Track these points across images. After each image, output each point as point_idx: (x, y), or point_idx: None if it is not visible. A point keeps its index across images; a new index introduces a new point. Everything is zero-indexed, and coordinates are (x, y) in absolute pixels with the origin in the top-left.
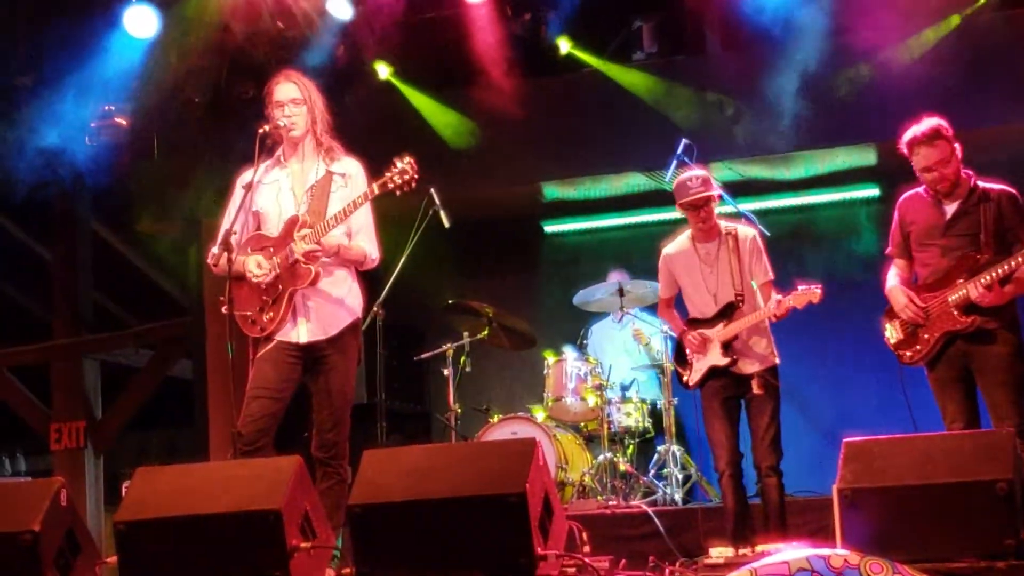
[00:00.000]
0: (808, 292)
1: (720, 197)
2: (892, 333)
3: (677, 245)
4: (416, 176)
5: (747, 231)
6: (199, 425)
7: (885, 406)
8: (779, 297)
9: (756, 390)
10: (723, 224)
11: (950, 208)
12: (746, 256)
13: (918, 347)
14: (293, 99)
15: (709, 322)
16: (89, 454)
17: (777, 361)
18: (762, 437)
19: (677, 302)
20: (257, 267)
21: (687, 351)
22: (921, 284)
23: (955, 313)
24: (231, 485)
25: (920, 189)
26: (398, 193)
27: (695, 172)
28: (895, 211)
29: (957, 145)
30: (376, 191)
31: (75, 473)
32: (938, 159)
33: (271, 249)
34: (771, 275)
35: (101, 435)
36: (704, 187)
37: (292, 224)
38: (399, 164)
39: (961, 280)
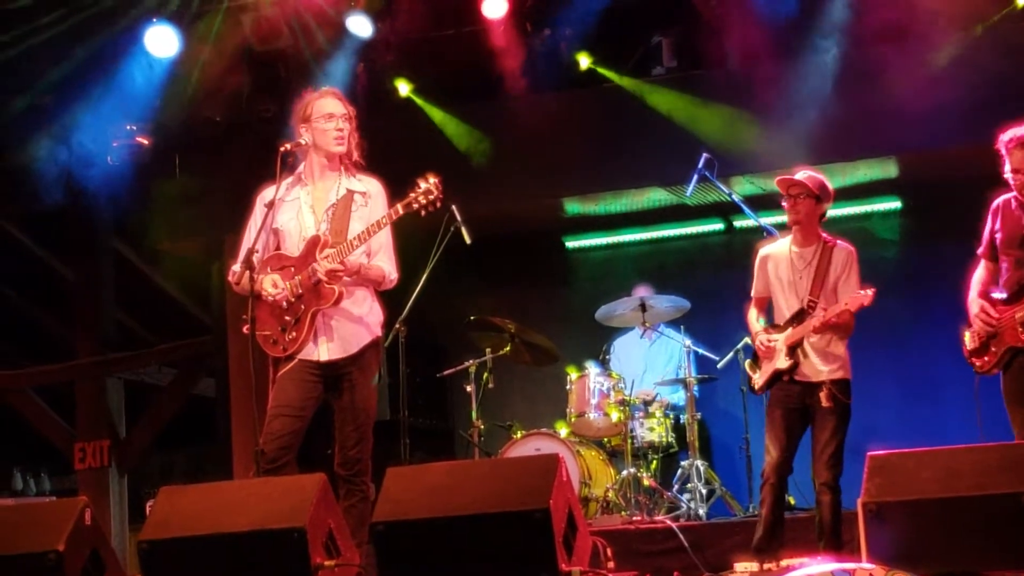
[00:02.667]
0: (862, 296)
1: (819, 200)
2: (968, 341)
3: (776, 246)
4: (440, 196)
5: (847, 246)
6: (222, 443)
7: (909, 419)
8: (823, 306)
9: (824, 402)
10: (825, 235)
11: None
12: (836, 268)
13: (986, 358)
14: (343, 114)
15: (782, 327)
16: (113, 473)
17: (848, 376)
18: (821, 452)
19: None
20: (273, 286)
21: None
22: (999, 293)
23: (1019, 329)
24: (255, 503)
25: (1012, 195)
26: (423, 213)
27: (806, 171)
28: (988, 211)
29: None
30: (400, 211)
31: (99, 492)
32: None
33: (292, 269)
34: (859, 291)
35: (125, 454)
36: (804, 178)
37: (313, 244)
38: (423, 184)
39: None
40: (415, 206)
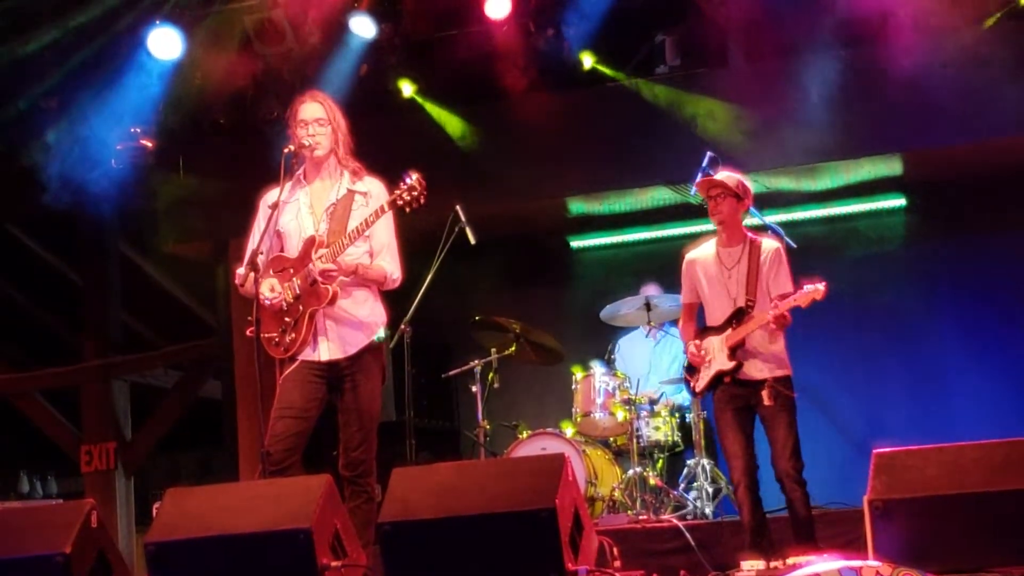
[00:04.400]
0: (812, 291)
1: (740, 199)
2: None
3: (701, 250)
4: (424, 192)
5: (771, 243)
6: (229, 445)
7: (915, 416)
8: (774, 301)
9: (766, 401)
10: (750, 234)
11: None
12: (765, 265)
13: None
14: (317, 119)
15: (719, 328)
16: (120, 475)
17: (790, 372)
18: (782, 448)
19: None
20: (270, 290)
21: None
22: None
23: None
24: (261, 504)
25: None
26: (407, 210)
27: (725, 172)
28: None
29: None
30: (386, 209)
31: (106, 494)
32: None
33: (291, 270)
34: (790, 288)
35: (131, 456)
36: (726, 179)
37: (310, 244)
38: (408, 181)
39: None
40: (399, 203)
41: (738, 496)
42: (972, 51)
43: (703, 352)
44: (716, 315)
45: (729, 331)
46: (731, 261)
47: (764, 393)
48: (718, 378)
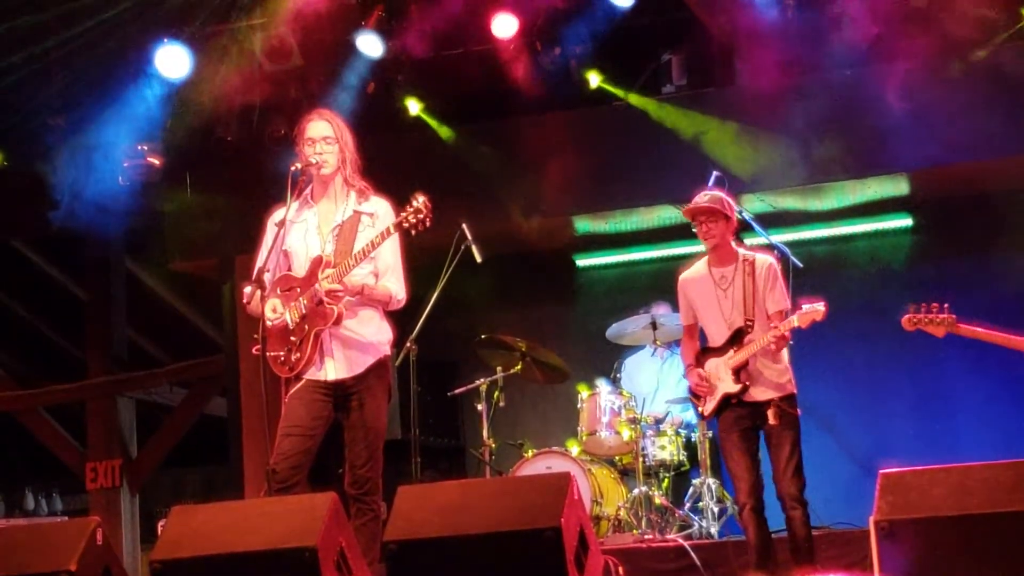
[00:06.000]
0: (812, 311)
1: (728, 219)
2: None
3: (693, 270)
4: (431, 215)
5: (765, 259)
6: (234, 463)
7: (921, 436)
8: (774, 323)
9: (772, 420)
10: (742, 252)
11: None
12: (760, 282)
13: None
14: (325, 137)
15: (720, 350)
16: (125, 493)
17: (794, 390)
18: (784, 469)
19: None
20: (272, 311)
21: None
22: None
23: None
24: (267, 523)
25: None
26: (413, 233)
27: (713, 191)
28: None
29: None
30: (392, 231)
31: (111, 512)
32: None
33: (298, 289)
34: (786, 304)
35: (137, 474)
36: (709, 201)
37: (317, 264)
38: (414, 204)
39: None
40: (405, 225)
41: (743, 517)
42: (980, 70)
43: (707, 378)
44: (714, 336)
45: (731, 353)
46: (725, 282)
47: (769, 412)
48: (725, 401)
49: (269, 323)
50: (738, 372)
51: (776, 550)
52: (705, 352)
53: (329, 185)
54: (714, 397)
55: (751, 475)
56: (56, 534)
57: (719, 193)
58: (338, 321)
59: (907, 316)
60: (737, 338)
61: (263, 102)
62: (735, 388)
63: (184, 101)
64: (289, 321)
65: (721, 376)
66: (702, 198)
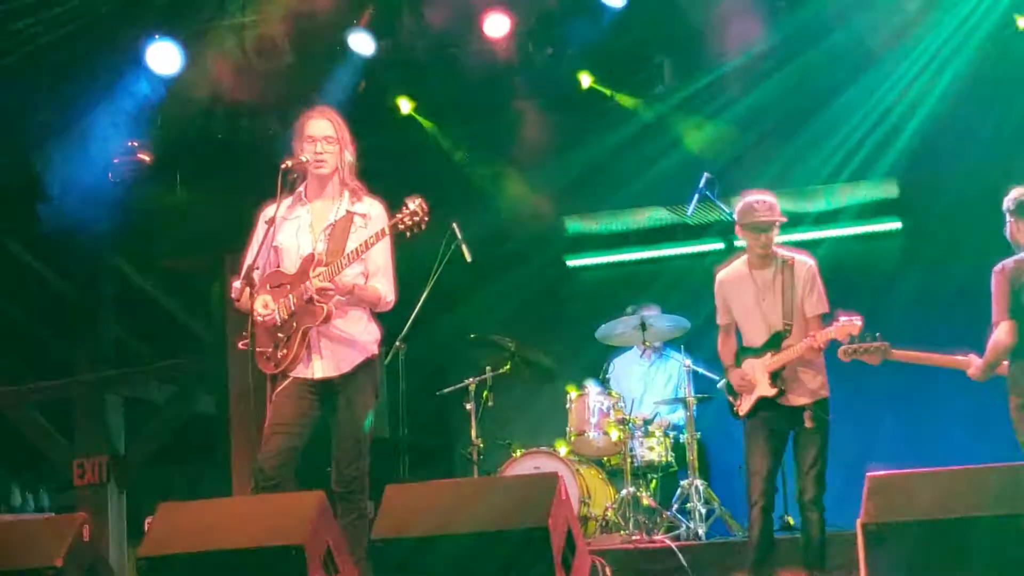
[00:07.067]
0: (849, 324)
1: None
2: None
3: (732, 271)
4: (426, 219)
5: (805, 260)
6: (221, 461)
7: (909, 440)
8: (812, 332)
9: (807, 424)
10: (781, 252)
11: None
12: (800, 284)
13: None
14: (326, 136)
15: (758, 352)
16: (112, 490)
17: (827, 394)
18: (808, 471)
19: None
20: (264, 307)
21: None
22: None
23: None
24: (254, 520)
25: None
26: (408, 235)
27: (762, 196)
28: None
29: None
30: (387, 232)
31: (98, 509)
32: None
33: (288, 286)
34: (824, 308)
35: (124, 471)
36: (771, 212)
37: (308, 262)
38: (411, 205)
39: None
40: (400, 227)
41: (752, 514)
42: (968, 76)
43: (748, 379)
44: (751, 336)
45: (768, 356)
46: (765, 283)
47: (805, 415)
48: (760, 401)
49: (260, 319)
50: (774, 376)
51: (777, 552)
52: (744, 352)
53: (325, 184)
54: (750, 398)
55: (770, 475)
56: (43, 530)
57: (771, 198)
58: (327, 319)
59: (841, 348)
60: (775, 341)
61: (254, 99)
62: (771, 392)
63: (175, 97)
64: (277, 317)
65: (758, 378)
66: (765, 209)
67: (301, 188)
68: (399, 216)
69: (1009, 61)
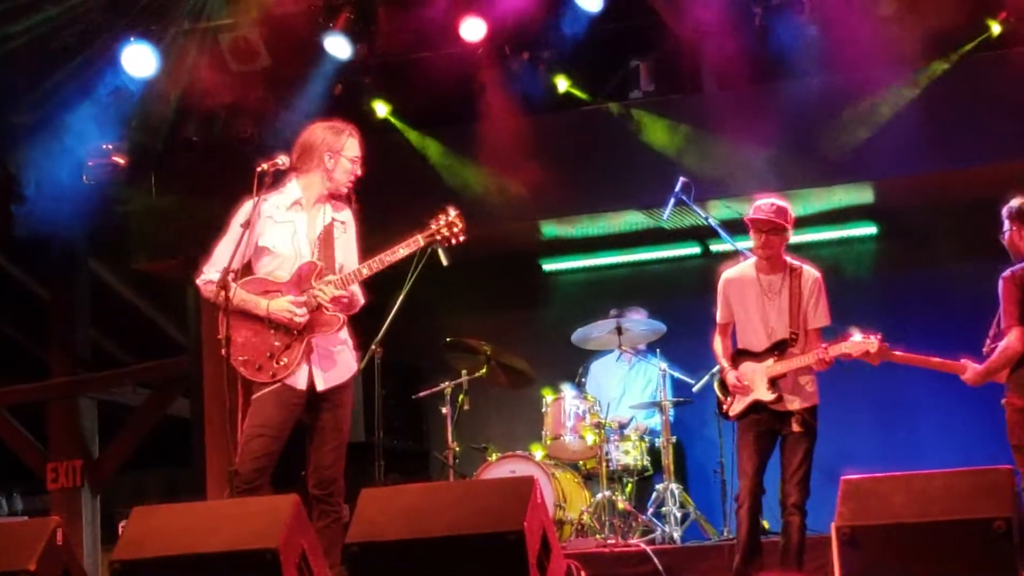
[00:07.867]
0: (866, 343)
1: (787, 231)
2: None
3: (738, 271)
4: (464, 231)
5: (812, 272)
6: (197, 464)
7: (884, 444)
8: (825, 345)
9: (795, 428)
10: (790, 260)
11: None
12: (806, 294)
13: None
14: (361, 157)
15: (759, 356)
16: (86, 493)
17: (817, 401)
18: (792, 474)
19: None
20: (297, 308)
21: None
22: None
23: None
24: (228, 524)
25: None
26: (444, 245)
27: (772, 199)
28: None
29: None
30: (422, 243)
31: (72, 512)
32: None
33: (278, 294)
34: (827, 321)
35: (98, 474)
36: (776, 215)
37: (310, 269)
38: (448, 216)
39: None
40: (438, 237)
41: (739, 515)
42: (944, 80)
43: (744, 382)
44: (749, 339)
45: (771, 362)
46: (772, 289)
47: (794, 420)
48: (753, 406)
49: (290, 320)
50: (773, 381)
51: (762, 554)
52: (740, 354)
53: (323, 195)
54: (744, 400)
55: (757, 476)
56: (16, 534)
57: (783, 203)
58: (340, 329)
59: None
60: (779, 348)
61: (229, 102)
62: (769, 397)
63: (150, 100)
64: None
65: (756, 383)
66: (768, 210)
67: (300, 196)
68: (435, 227)
69: (985, 67)
